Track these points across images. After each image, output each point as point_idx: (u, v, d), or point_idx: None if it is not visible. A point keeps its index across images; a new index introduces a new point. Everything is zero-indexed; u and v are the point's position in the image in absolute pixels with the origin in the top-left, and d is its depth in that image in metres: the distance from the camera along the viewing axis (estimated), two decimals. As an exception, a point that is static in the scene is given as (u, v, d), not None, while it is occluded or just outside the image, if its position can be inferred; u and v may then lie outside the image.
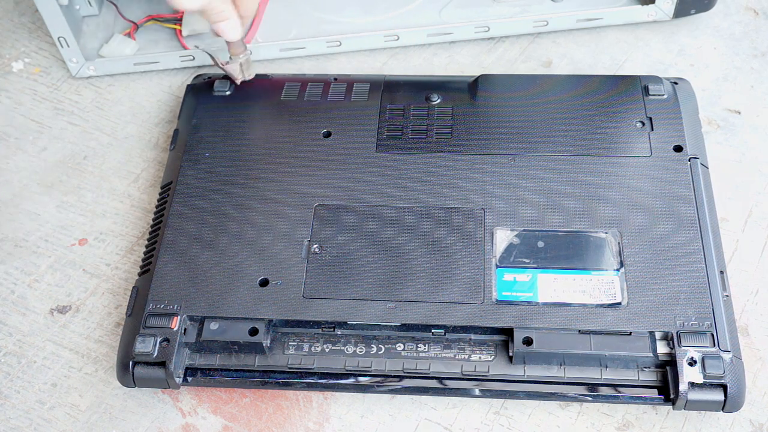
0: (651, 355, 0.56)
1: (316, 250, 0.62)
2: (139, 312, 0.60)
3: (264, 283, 0.60)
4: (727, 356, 0.56)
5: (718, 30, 0.80)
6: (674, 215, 0.62)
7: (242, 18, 0.68)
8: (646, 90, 0.69)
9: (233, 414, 0.60)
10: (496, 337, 0.59)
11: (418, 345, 0.59)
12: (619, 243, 0.61)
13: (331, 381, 0.58)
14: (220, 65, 0.71)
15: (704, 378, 0.55)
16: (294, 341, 0.59)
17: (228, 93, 0.72)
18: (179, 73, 0.80)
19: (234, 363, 0.59)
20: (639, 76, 0.70)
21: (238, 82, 0.71)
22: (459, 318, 0.58)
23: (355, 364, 0.58)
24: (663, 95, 0.69)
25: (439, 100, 0.70)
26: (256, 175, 0.66)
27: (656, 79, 0.70)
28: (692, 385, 0.55)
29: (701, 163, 0.65)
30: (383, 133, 0.68)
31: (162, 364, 0.58)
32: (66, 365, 0.63)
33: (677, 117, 0.67)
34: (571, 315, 0.58)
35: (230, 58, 0.70)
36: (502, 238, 0.62)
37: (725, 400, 0.55)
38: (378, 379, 0.58)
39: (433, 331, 0.59)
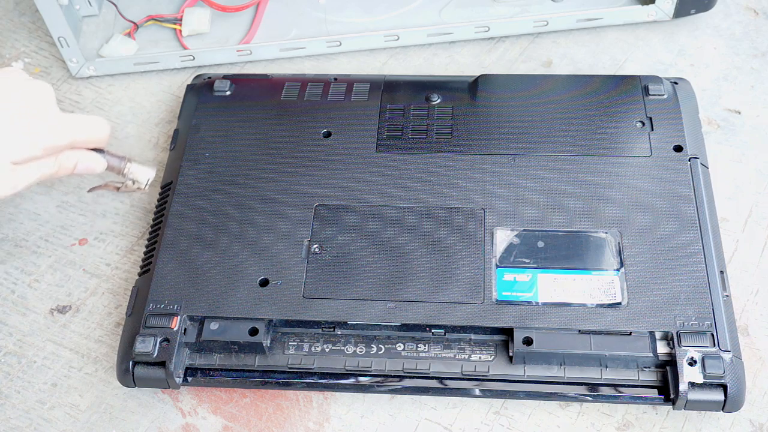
0: (651, 355, 0.56)
1: (316, 250, 0.62)
2: (139, 312, 0.60)
3: (264, 283, 0.60)
4: (727, 356, 0.56)
5: (718, 30, 0.80)
6: (674, 215, 0.62)
7: (95, 146, 0.61)
8: (646, 90, 0.69)
9: (233, 414, 0.60)
10: (496, 337, 0.59)
11: (418, 345, 0.59)
12: (619, 243, 0.61)
13: (331, 381, 0.58)
14: (121, 189, 0.65)
15: (704, 378, 0.55)
16: (294, 341, 0.59)
17: (228, 93, 0.72)
18: (179, 73, 0.80)
19: (234, 363, 0.59)
20: (639, 76, 0.70)
21: (145, 187, 0.65)
22: (459, 318, 0.58)
23: (355, 364, 0.58)
24: (663, 95, 0.69)
25: (439, 100, 0.70)
26: (256, 175, 0.66)
27: (656, 79, 0.70)
28: (692, 385, 0.55)
29: (701, 163, 0.65)
30: (383, 133, 0.68)
31: (162, 364, 0.58)
32: (66, 365, 0.63)
33: (677, 117, 0.67)
34: (571, 315, 0.58)
35: (122, 181, 0.64)
36: (502, 238, 0.62)
37: (725, 400, 0.55)
38: (378, 379, 0.58)
39: (433, 331, 0.59)
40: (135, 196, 0.72)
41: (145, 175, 0.64)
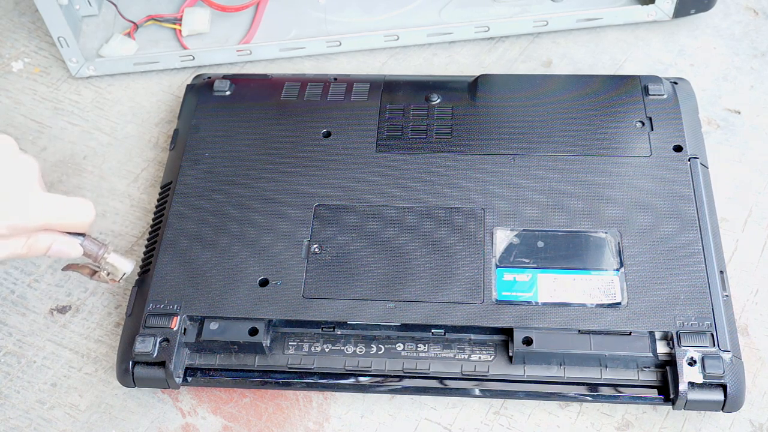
0: (651, 355, 0.56)
1: (316, 250, 0.62)
2: (139, 312, 0.60)
3: (264, 283, 0.60)
4: (726, 356, 0.56)
5: (718, 30, 0.80)
6: (674, 215, 0.62)
7: (75, 230, 0.56)
8: (646, 90, 0.69)
9: (233, 414, 0.60)
10: (496, 337, 0.59)
11: (418, 345, 0.59)
12: (618, 243, 0.61)
13: (331, 381, 0.58)
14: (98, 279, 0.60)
15: (704, 378, 0.55)
16: (294, 341, 0.59)
17: (228, 93, 0.72)
18: (179, 73, 0.80)
19: (234, 363, 0.59)
20: (639, 76, 0.70)
21: (119, 281, 0.60)
22: (459, 318, 0.58)
23: (355, 364, 0.58)
24: (663, 95, 0.69)
25: (439, 100, 0.70)
26: (256, 175, 0.66)
27: (656, 79, 0.70)
28: (692, 384, 0.55)
29: (701, 163, 0.65)
30: (383, 133, 0.68)
31: (162, 364, 0.58)
32: (66, 365, 0.63)
33: (677, 117, 0.67)
34: (571, 315, 0.58)
35: (98, 271, 0.59)
36: (502, 238, 0.62)
37: (725, 400, 0.55)
38: (378, 379, 0.58)
39: (433, 331, 0.59)
40: (135, 197, 0.72)
41: (122, 268, 0.59)
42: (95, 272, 0.59)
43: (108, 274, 0.59)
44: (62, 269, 0.61)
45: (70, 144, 0.76)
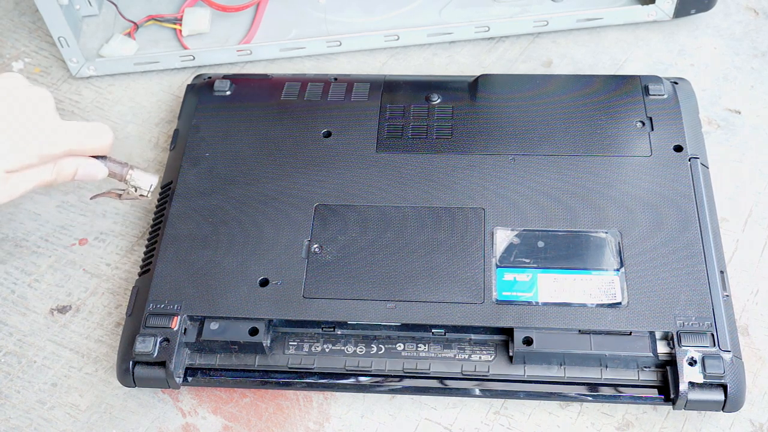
0: (651, 354, 0.56)
1: (316, 250, 0.62)
2: (140, 312, 0.60)
3: (264, 283, 0.60)
4: (727, 356, 0.56)
5: (718, 30, 0.80)
6: (674, 215, 0.62)
7: (96, 153, 0.59)
8: (646, 90, 0.69)
9: (233, 414, 0.60)
10: (496, 337, 0.59)
11: (418, 345, 0.59)
12: (619, 243, 0.61)
13: (331, 381, 0.58)
14: (122, 198, 0.63)
15: (704, 378, 0.55)
16: (294, 341, 0.59)
17: (228, 93, 0.72)
18: (179, 73, 0.80)
19: (234, 363, 0.59)
20: (639, 76, 0.70)
21: (147, 195, 0.63)
22: (459, 318, 0.58)
23: (355, 364, 0.58)
24: (663, 95, 0.69)
25: (439, 100, 0.70)
26: (256, 175, 0.66)
27: (656, 79, 0.70)
28: (692, 384, 0.55)
29: (701, 163, 0.65)
30: (383, 133, 0.68)
31: (162, 364, 0.58)
32: (66, 365, 0.63)
33: (677, 117, 0.67)
34: (571, 315, 0.58)
35: (124, 189, 0.63)
36: (503, 237, 0.62)
37: (725, 400, 0.55)
38: (378, 379, 0.58)
39: (433, 331, 0.59)
40: (135, 196, 0.72)
41: (148, 181, 0.62)
42: (121, 195, 0.62)
43: (136, 190, 0.62)
44: (90, 198, 0.64)
45: (70, 144, 0.76)
